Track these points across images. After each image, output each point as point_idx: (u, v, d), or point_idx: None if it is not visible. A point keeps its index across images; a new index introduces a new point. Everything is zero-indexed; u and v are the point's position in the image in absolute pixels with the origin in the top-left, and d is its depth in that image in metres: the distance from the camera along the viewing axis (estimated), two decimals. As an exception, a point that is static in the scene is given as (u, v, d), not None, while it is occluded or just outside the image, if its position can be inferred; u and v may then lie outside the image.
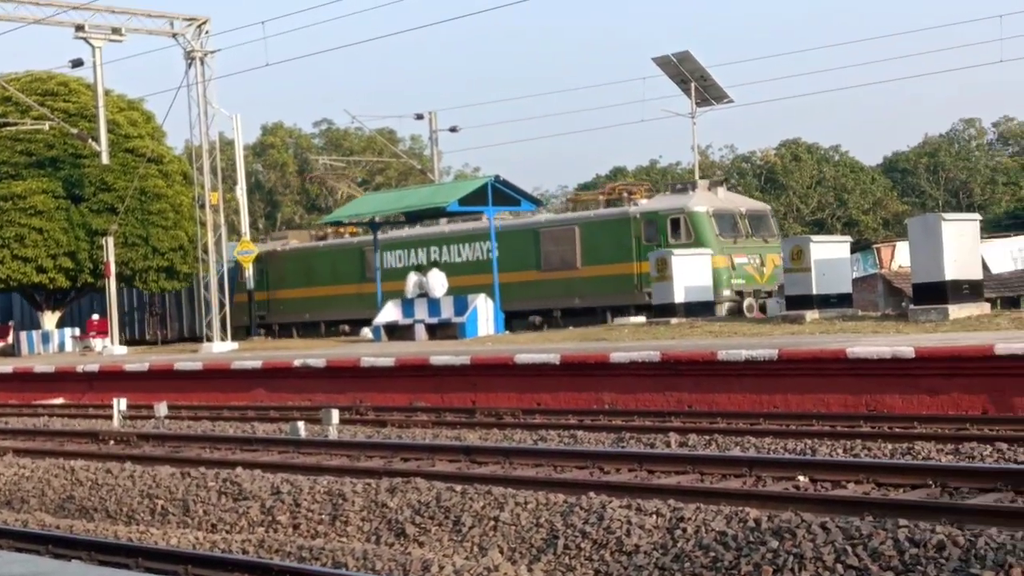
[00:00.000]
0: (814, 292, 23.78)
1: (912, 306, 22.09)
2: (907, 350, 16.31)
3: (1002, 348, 15.45)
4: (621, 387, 19.11)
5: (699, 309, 26.78)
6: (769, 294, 30.47)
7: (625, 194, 34.56)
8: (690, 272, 26.98)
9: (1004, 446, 12.19)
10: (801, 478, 10.84)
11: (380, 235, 37.15)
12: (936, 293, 21.50)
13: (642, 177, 66.53)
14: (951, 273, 21.47)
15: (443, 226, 37.08)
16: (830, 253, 24.35)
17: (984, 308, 21.95)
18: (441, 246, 36.29)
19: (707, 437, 14.29)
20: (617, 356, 19.24)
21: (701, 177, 36.48)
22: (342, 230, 40.70)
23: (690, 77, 40.00)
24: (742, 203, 33.75)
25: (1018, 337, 16.92)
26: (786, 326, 22.75)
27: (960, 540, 7.99)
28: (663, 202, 32.40)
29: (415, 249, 37.06)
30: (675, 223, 31.11)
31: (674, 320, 25.99)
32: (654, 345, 20.64)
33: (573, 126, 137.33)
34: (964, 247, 21.89)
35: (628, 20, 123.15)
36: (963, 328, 19.45)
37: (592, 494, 10.29)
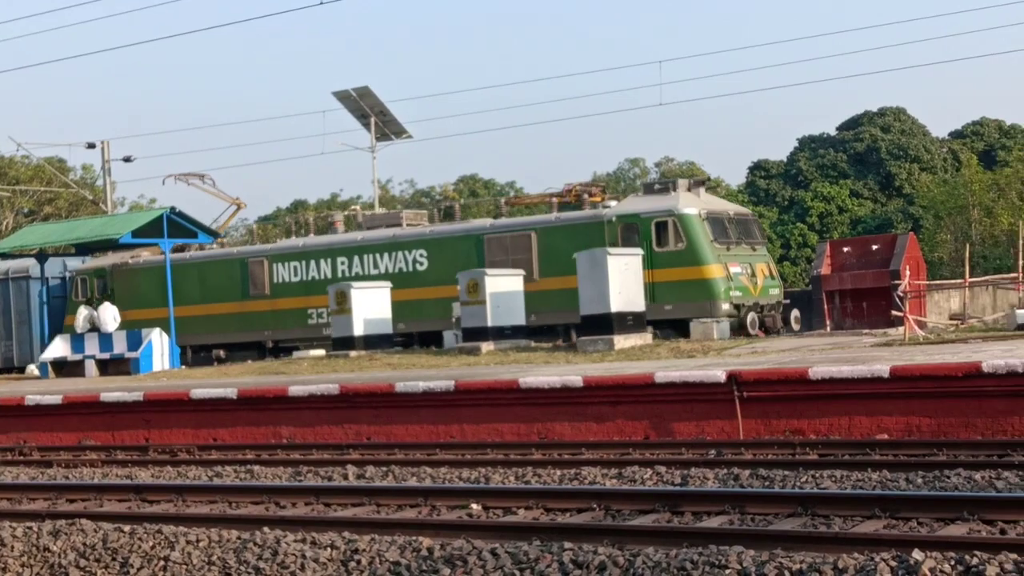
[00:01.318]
0: (489, 324, 24.42)
1: (581, 337, 23.02)
2: (576, 379, 16.98)
3: (661, 376, 16.34)
4: (300, 420, 19.01)
5: (378, 342, 26.95)
6: (762, 308, 27.40)
7: (585, 196, 30.78)
8: (370, 305, 27.12)
9: (663, 469, 12.87)
10: (474, 506, 11.10)
11: (270, 245, 34.30)
12: (603, 324, 22.50)
13: (322, 211, 66.23)
14: (616, 305, 22.54)
15: (354, 233, 33.07)
16: (505, 286, 25.08)
17: (647, 338, 23.14)
18: (352, 256, 31.65)
19: (384, 468, 14.41)
20: (296, 389, 19.13)
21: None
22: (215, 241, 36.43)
23: (370, 112, 40.38)
24: (728, 206, 30.57)
25: (676, 365, 17.94)
26: (463, 357, 23.24)
27: (620, 560, 8.40)
28: (643, 204, 28.65)
29: (317, 261, 32.38)
30: (661, 227, 27.56)
31: (353, 353, 26.07)
32: (333, 378, 20.65)
33: (252, 158, 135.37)
34: (628, 280, 23.03)
35: (309, 53, 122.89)
36: (627, 358, 20.43)
37: (267, 529, 10.21)
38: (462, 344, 24.89)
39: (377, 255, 31.25)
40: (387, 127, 41.13)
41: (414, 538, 9.51)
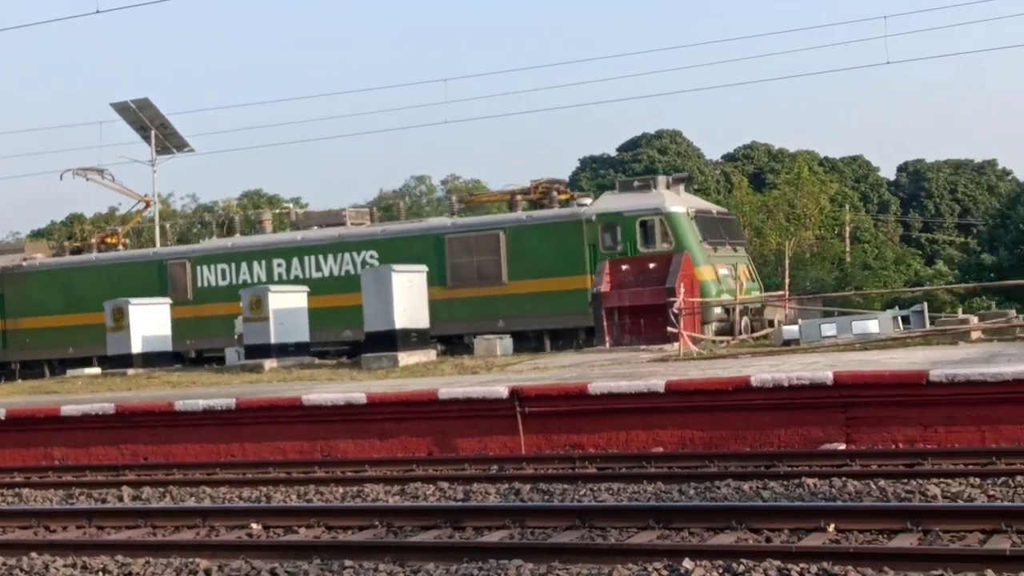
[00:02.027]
0: (272, 341, 24.11)
1: (365, 354, 22.96)
2: (359, 396, 16.93)
3: (445, 392, 16.44)
4: (73, 441, 18.36)
5: (157, 359, 26.28)
6: (745, 311, 26.07)
7: (554, 193, 29.08)
8: (148, 322, 26.42)
9: (446, 485, 12.95)
10: (254, 525, 10.95)
11: (192, 245, 31.67)
12: (387, 341, 22.52)
13: (100, 225, 64.25)
14: (401, 322, 22.59)
15: (293, 233, 30.76)
16: (289, 303, 24.81)
17: (431, 355, 23.25)
18: (290, 258, 29.59)
19: (162, 489, 14.07)
20: (69, 409, 18.48)
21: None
22: (111, 239, 33.41)
23: (150, 124, 39.41)
24: (710, 205, 29.69)
25: (460, 382, 18.09)
26: (245, 375, 22.89)
27: (401, 576, 8.44)
28: (625, 201, 27.18)
29: (250, 263, 29.98)
30: (647, 227, 26.39)
31: (131, 371, 25.35)
32: (109, 397, 20.05)
33: (25, 169, 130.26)
34: (412, 297, 23.11)
35: (85, 63, 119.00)
36: (412, 374, 20.50)
37: (35, 554, 9.85)
38: (244, 361, 24.51)
39: (320, 257, 29.42)
40: (168, 140, 40.19)
41: (191, 560, 9.34)
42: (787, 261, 25.10)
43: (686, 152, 66.19)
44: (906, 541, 8.72)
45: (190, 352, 30.04)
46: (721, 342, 22.61)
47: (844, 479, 11.40)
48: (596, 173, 65.15)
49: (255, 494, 13.35)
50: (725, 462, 13.49)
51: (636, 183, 28.13)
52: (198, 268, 30.62)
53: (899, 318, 21.63)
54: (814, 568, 7.71)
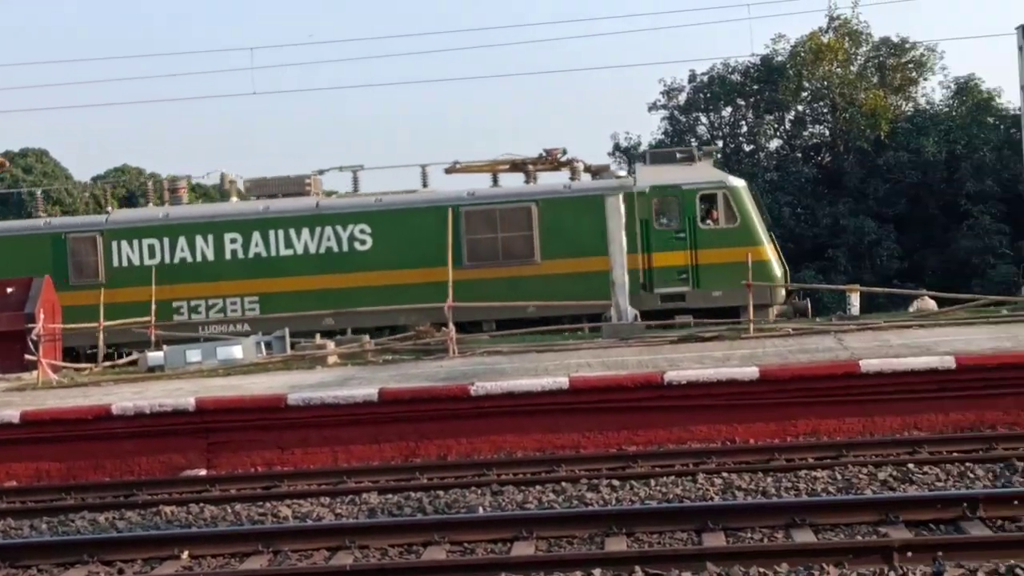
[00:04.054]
0: None
1: None
2: None
3: None
4: None
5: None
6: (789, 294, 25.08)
7: (577, 163, 26.01)
8: None
9: None
10: None
11: (101, 216, 26.70)
12: None
13: None
14: None
15: (255, 203, 26.03)
16: None
17: None
18: (250, 232, 25.27)
19: None
20: None
21: None
22: None
23: None
24: None
25: None
26: None
27: None
28: (677, 174, 24.99)
29: (191, 237, 25.38)
30: (710, 202, 24.62)
31: None
32: None
33: None
34: None
35: None
36: None
37: None
38: None
39: (291, 231, 25.25)
40: None
41: None
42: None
43: (53, 172, 63.60)
44: (257, 563, 9.04)
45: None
46: (84, 370, 22.02)
47: (202, 505, 11.56)
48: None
49: None
50: (83, 493, 13.17)
51: (678, 154, 26.60)
52: (114, 244, 25.78)
53: (262, 343, 22.18)
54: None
